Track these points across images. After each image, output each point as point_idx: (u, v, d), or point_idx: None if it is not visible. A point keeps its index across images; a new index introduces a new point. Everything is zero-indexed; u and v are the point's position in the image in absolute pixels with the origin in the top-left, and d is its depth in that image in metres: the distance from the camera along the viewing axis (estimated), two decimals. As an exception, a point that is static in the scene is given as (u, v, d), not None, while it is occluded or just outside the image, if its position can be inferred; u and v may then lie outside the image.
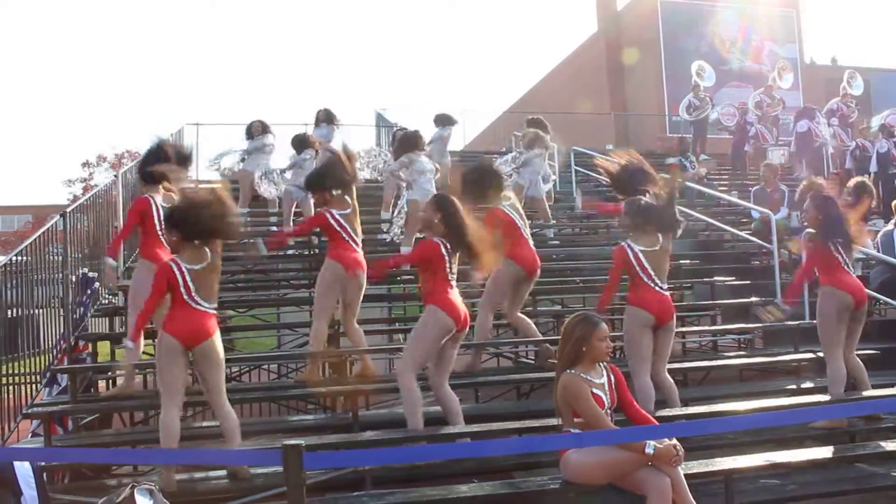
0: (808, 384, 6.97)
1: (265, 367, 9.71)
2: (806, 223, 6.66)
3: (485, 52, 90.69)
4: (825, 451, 5.54)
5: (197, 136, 16.04)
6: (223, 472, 5.37)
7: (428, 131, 11.69)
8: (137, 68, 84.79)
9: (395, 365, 5.38)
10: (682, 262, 9.64)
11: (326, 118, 12.29)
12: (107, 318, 8.08)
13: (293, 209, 10.45)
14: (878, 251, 8.73)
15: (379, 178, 11.13)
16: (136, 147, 32.28)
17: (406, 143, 9.34)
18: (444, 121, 12.22)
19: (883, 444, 5.68)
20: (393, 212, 10.33)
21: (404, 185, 9.59)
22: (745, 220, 11.86)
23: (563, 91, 27.33)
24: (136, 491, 4.05)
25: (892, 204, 9.16)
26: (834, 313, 6.12)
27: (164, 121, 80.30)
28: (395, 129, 12.74)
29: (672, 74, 24.20)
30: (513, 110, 26.30)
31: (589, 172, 14.12)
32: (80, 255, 7.91)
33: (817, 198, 6.40)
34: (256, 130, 11.42)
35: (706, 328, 8.77)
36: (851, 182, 9.81)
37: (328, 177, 6.56)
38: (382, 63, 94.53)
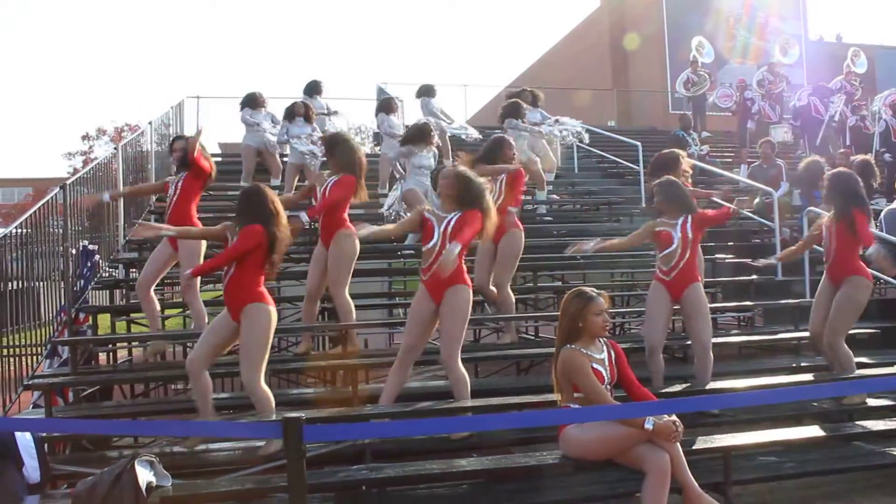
0: (806, 362, 6.98)
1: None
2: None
3: (487, 27, 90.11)
4: (823, 430, 5.57)
5: (197, 108, 15.99)
6: (223, 444, 5.41)
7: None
8: (138, 41, 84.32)
9: (443, 353, 5.38)
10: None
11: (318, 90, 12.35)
12: (107, 291, 8.09)
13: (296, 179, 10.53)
14: (882, 230, 8.71)
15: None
16: (137, 120, 32.21)
17: (416, 135, 9.22)
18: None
19: (880, 422, 5.71)
20: (389, 189, 10.39)
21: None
22: (745, 197, 11.81)
23: (566, 67, 27.19)
24: (136, 462, 4.09)
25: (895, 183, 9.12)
26: (864, 304, 6.18)
27: (165, 94, 79.92)
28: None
29: (675, 51, 24.03)
30: (514, 86, 26.16)
31: (591, 149, 14.07)
32: (80, 228, 7.90)
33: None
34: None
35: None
36: (857, 159, 9.78)
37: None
38: (384, 36, 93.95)
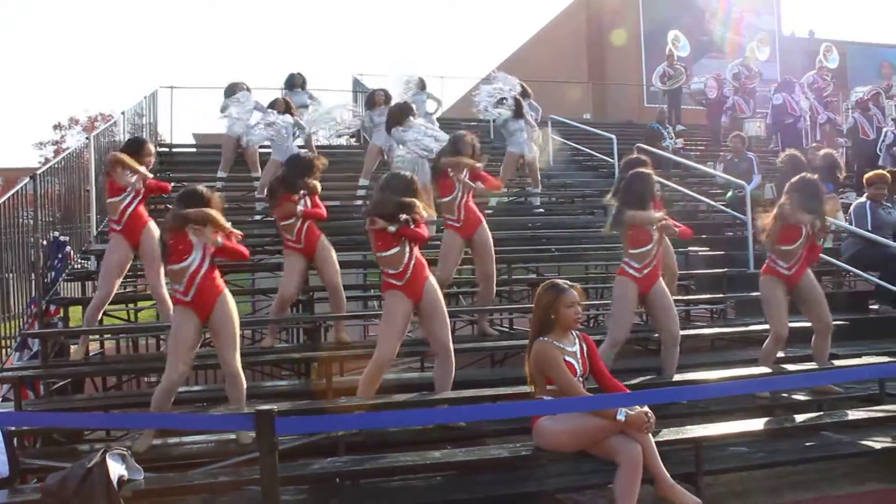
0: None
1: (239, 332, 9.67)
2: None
3: (464, 18, 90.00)
4: (793, 420, 5.64)
5: (171, 99, 15.86)
6: (196, 437, 5.38)
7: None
8: (111, 29, 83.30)
9: (446, 341, 5.50)
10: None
11: (302, 83, 12.22)
12: (79, 283, 8.01)
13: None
14: (851, 223, 8.83)
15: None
16: (110, 110, 31.84)
17: (397, 116, 9.18)
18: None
19: (848, 412, 5.80)
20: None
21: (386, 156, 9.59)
22: (718, 191, 11.94)
23: (543, 59, 27.23)
24: (107, 456, 4.05)
25: (864, 177, 9.24)
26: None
27: (138, 83, 79.02)
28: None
29: (652, 45, 24.16)
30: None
31: (566, 141, 14.11)
32: (50, 219, 7.81)
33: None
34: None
35: (680, 297, 8.83)
36: (821, 152, 9.91)
37: None
38: (360, 27, 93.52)
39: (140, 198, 6.65)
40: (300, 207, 6.64)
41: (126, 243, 6.57)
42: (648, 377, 5.97)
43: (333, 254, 6.84)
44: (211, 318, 5.08)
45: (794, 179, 6.31)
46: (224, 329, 5.09)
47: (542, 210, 11.36)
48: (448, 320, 5.70)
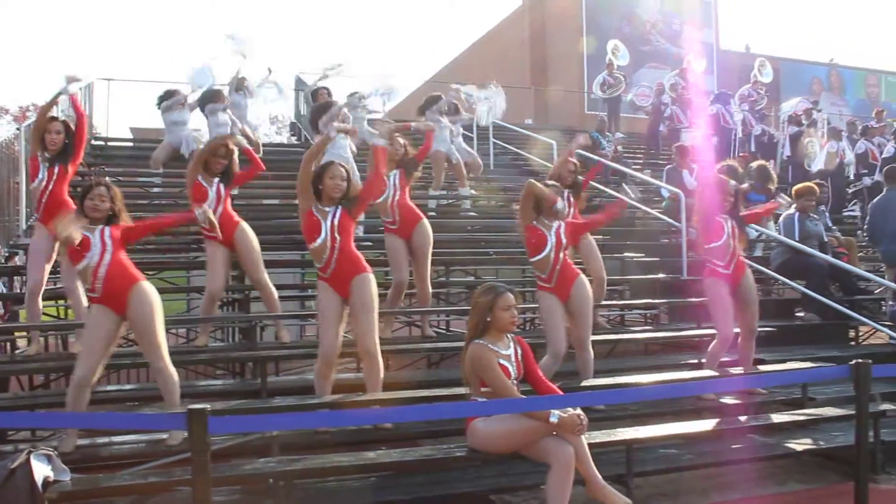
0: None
1: (173, 330, 9.52)
2: None
3: (408, 20, 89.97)
4: (720, 423, 5.79)
5: (108, 92, 15.52)
6: (127, 437, 5.27)
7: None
8: (45, 17, 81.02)
9: (370, 342, 5.42)
10: (594, 237, 9.83)
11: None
12: (6, 278, 7.79)
13: None
14: (780, 233, 9.10)
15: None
16: (43, 101, 30.95)
17: (319, 112, 9.17)
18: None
19: (773, 416, 5.98)
20: None
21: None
22: (656, 198, 12.17)
23: (486, 64, 27.37)
24: (32, 456, 3.94)
25: (792, 189, 9.54)
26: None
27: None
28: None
29: (593, 52, 24.52)
30: (434, 80, 26.25)
31: (507, 146, 14.23)
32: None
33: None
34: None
35: (614, 303, 9.01)
36: (754, 164, 10.19)
37: None
38: (302, 25, 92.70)
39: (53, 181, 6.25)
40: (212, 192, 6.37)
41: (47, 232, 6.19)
42: (581, 380, 6.06)
43: (256, 242, 6.57)
44: (127, 312, 4.89)
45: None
46: (141, 321, 4.91)
47: (473, 213, 11.42)
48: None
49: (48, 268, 6.38)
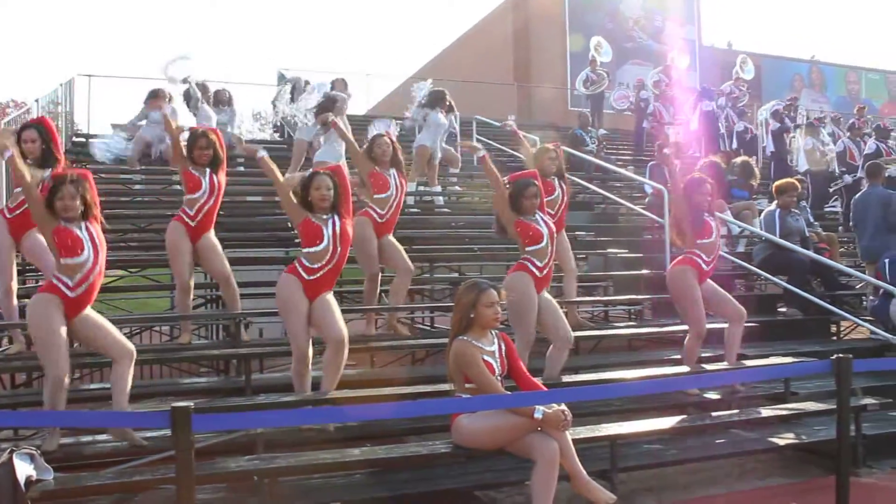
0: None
1: (157, 328, 9.49)
2: None
3: (391, 15, 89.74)
4: (704, 418, 5.83)
5: (89, 88, 15.38)
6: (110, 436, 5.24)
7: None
8: (25, 12, 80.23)
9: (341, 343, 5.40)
10: (577, 233, 9.88)
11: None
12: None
13: None
14: (762, 229, 9.16)
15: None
16: (23, 97, 30.70)
17: (327, 106, 9.16)
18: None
19: (756, 410, 6.03)
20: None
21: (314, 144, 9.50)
22: (639, 194, 12.23)
23: (469, 59, 27.37)
24: (14, 455, 3.91)
25: (773, 185, 9.60)
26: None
27: (54, 70, 76.27)
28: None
29: (576, 49, 24.57)
30: (417, 76, 26.20)
31: (490, 142, 14.23)
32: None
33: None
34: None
35: (598, 298, 9.04)
36: (738, 160, 10.24)
37: None
38: (284, 20, 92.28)
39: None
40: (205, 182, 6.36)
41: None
42: (566, 376, 6.07)
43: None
44: (76, 319, 4.88)
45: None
46: (91, 331, 4.95)
47: (446, 210, 11.45)
48: None
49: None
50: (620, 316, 10.13)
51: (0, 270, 6.13)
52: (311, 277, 5.35)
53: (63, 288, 4.80)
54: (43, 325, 4.75)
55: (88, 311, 4.95)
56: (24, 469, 3.88)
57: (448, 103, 10.67)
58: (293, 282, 5.37)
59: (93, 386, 6.27)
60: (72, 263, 4.81)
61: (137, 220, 9.77)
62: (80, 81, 14.87)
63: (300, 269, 5.38)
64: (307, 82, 11.47)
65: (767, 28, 70.19)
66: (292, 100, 9.22)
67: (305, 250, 5.41)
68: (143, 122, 10.81)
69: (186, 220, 6.32)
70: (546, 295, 5.96)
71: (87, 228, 4.90)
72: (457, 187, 11.94)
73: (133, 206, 10.39)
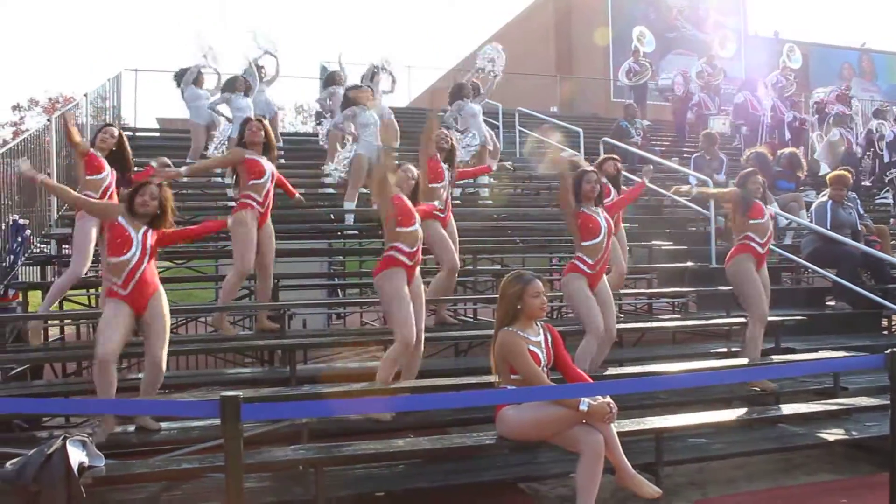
0: (737, 347, 7.18)
1: (202, 319, 9.62)
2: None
3: (432, 8, 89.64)
4: (750, 412, 5.75)
5: (136, 82, 15.64)
6: (160, 424, 5.32)
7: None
8: (73, 8, 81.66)
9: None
10: (622, 225, 9.77)
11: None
12: (38, 267, 7.88)
13: None
14: (812, 221, 8.99)
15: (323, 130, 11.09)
16: (72, 92, 31.30)
17: (355, 94, 9.26)
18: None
19: (803, 405, 5.93)
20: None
21: (350, 138, 9.51)
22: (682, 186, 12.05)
23: (510, 52, 27.11)
24: (68, 442, 3.99)
25: (827, 176, 9.41)
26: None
27: (102, 65, 77.52)
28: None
29: (619, 40, 24.30)
30: (459, 68, 26.16)
31: (532, 133, 14.16)
32: (10, 202, 7.67)
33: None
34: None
35: (642, 291, 8.96)
36: (785, 151, 10.05)
37: None
38: (328, 14, 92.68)
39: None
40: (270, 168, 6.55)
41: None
42: (612, 368, 6.04)
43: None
44: (145, 313, 4.99)
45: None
46: (155, 323, 5.00)
47: (490, 201, 11.47)
48: None
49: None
50: (664, 309, 10.02)
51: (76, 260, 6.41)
52: (412, 262, 5.48)
53: (114, 288, 4.95)
54: (107, 316, 4.93)
55: (156, 311, 5.01)
56: (77, 455, 3.96)
57: (472, 90, 10.72)
58: (398, 273, 5.43)
59: (141, 375, 6.34)
60: (116, 262, 4.92)
61: (183, 212, 9.88)
62: (126, 76, 15.13)
63: (406, 258, 5.44)
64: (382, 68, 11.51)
65: (816, 16, 68.82)
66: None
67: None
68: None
69: (256, 206, 6.45)
70: (604, 286, 6.01)
71: (144, 234, 5.01)
72: (493, 180, 11.89)
73: (177, 199, 10.50)
